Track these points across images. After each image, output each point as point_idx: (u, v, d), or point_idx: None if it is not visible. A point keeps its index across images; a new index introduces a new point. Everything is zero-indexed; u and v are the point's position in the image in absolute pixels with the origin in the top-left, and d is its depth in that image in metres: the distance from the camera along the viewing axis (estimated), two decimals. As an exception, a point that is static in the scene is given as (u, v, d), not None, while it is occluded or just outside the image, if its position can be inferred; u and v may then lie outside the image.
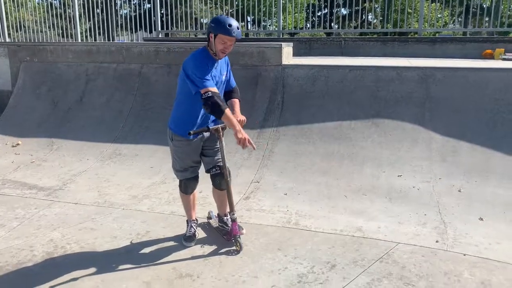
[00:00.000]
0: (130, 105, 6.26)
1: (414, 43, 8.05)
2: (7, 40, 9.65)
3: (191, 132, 3.17)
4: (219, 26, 3.04)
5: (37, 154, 5.87)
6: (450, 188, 4.29)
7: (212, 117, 3.31)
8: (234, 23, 3.03)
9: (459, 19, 11.48)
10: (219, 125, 3.30)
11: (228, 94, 3.46)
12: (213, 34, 3.07)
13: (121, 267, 3.20)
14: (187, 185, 3.47)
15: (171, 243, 3.56)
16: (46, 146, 6.05)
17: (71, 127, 6.26)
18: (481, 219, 3.87)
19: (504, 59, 7.00)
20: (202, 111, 3.22)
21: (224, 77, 3.34)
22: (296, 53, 7.37)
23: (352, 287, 2.93)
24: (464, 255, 3.34)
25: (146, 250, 3.46)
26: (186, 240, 3.54)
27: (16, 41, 10.08)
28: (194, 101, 3.13)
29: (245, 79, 5.76)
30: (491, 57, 7.38)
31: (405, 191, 4.34)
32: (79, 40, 9.89)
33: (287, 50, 5.87)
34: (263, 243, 3.54)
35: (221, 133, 3.30)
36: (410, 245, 3.49)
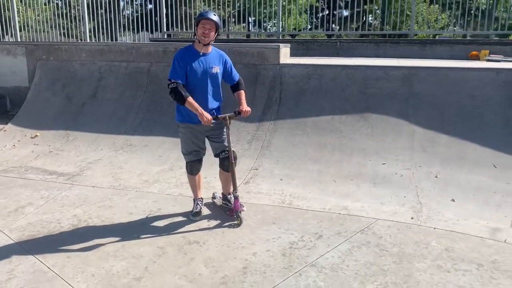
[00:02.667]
0: (139, 101, 6.78)
1: (405, 45, 8.56)
2: (19, 39, 10.16)
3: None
4: (198, 16, 3.70)
5: (54, 145, 6.40)
6: (428, 175, 4.80)
7: (210, 106, 3.82)
8: (209, 12, 3.68)
9: (460, 21, 11.87)
10: (226, 114, 3.83)
11: (234, 86, 4.00)
12: (196, 25, 3.67)
13: (137, 236, 3.72)
14: (192, 167, 4.01)
15: (180, 218, 4.08)
16: (62, 137, 6.57)
17: (85, 120, 6.78)
18: (453, 200, 4.38)
19: (488, 60, 7.51)
20: (197, 100, 3.70)
21: (214, 70, 3.79)
22: (294, 54, 7.89)
23: (335, 252, 3.44)
24: (434, 228, 3.86)
25: (159, 223, 3.98)
26: (193, 215, 4.06)
27: (22, 40, 10.56)
28: (190, 93, 3.68)
29: (246, 77, 6.21)
30: (477, 58, 7.88)
31: (388, 177, 4.85)
32: (87, 40, 10.40)
33: (284, 50, 6.39)
34: (260, 219, 4.06)
35: (228, 121, 3.82)
36: (389, 220, 4.01)
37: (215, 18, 3.65)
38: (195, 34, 3.74)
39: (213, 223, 3.97)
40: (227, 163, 3.95)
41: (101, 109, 6.88)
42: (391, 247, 3.53)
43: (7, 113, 7.77)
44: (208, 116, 3.63)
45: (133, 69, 7.10)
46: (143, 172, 5.35)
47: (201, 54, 3.76)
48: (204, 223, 3.97)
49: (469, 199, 4.38)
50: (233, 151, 3.93)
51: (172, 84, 3.62)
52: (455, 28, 12.08)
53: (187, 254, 3.40)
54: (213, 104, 3.86)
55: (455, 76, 5.49)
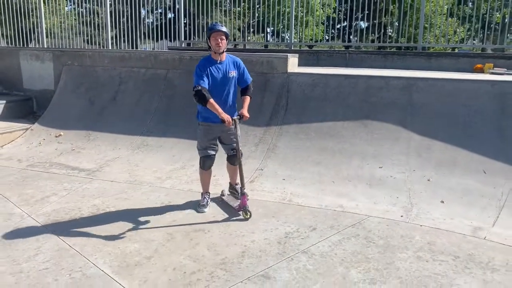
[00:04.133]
0: (156, 105, 7.25)
1: (412, 57, 8.87)
2: (45, 45, 10.79)
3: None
4: (208, 30, 4.21)
5: (77, 144, 6.90)
6: (421, 178, 5.12)
7: (228, 107, 4.30)
8: (217, 23, 4.19)
9: (480, 35, 12.04)
10: (235, 117, 4.32)
11: (244, 90, 4.48)
12: (208, 38, 4.18)
13: (149, 223, 4.15)
14: (204, 161, 4.46)
15: (189, 210, 4.50)
16: (84, 137, 7.07)
17: (106, 121, 7.28)
18: (442, 202, 4.70)
19: (492, 73, 7.77)
20: (218, 102, 4.16)
21: (231, 75, 4.30)
22: (305, 64, 8.30)
23: (326, 242, 3.81)
24: (421, 225, 4.19)
25: (169, 214, 4.40)
26: (200, 207, 4.49)
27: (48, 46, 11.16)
28: (212, 95, 4.13)
29: (256, 84, 6.60)
30: (481, 71, 8.14)
31: (383, 179, 5.18)
32: (110, 47, 10.97)
33: (292, 60, 6.79)
34: (261, 212, 4.45)
35: (237, 122, 4.31)
36: (379, 217, 4.35)
37: (223, 29, 4.16)
38: (209, 47, 4.24)
39: (219, 216, 4.37)
40: (234, 159, 4.48)
41: (120, 111, 7.37)
42: (378, 239, 3.87)
43: (34, 113, 8.34)
44: (228, 117, 4.09)
45: (151, 75, 7.59)
46: (157, 170, 5.79)
47: (218, 62, 4.26)
48: (210, 216, 4.37)
49: (457, 201, 4.68)
50: (240, 149, 4.37)
51: (197, 88, 4.08)
52: (474, 42, 12.31)
53: (192, 240, 3.80)
54: (231, 105, 4.39)
55: (450, 87, 5.80)
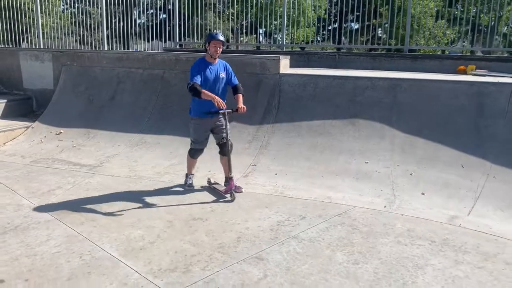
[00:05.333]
0: (153, 104, 7.55)
1: (399, 59, 9.23)
2: (42, 46, 11.00)
3: (204, 113, 4.86)
4: (209, 37, 4.84)
5: (77, 141, 7.17)
6: (404, 172, 5.47)
7: (213, 105, 4.73)
8: (218, 33, 4.84)
9: (469, 37, 12.38)
10: (225, 111, 4.82)
11: (235, 90, 5.05)
12: (208, 43, 4.82)
13: (150, 213, 4.45)
14: (195, 152, 5.13)
15: (187, 201, 4.81)
16: (83, 135, 7.35)
17: (105, 120, 7.56)
18: (423, 193, 5.06)
19: (474, 75, 8.17)
20: (205, 100, 4.72)
21: (221, 76, 4.93)
22: (296, 65, 8.65)
23: (315, 229, 4.14)
24: (402, 215, 4.54)
25: (168, 204, 4.71)
26: (188, 186, 5.24)
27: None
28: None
29: (249, 85, 6.98)
30: (464, 72, 8.54)
31: (369, 173, 5.53)
32: (105, 47, 11.22)
33: (284, 61, 7.13)
34: (254, 203, 4.77)
35: (227, 116, 4.87)
36: (364, 208, 4.70)
37: (222, 38, 4.84)
38: (206, 50, 4.88)
39: (214, 206, 4.69)
40: (225, 149, 5.01)
41: (119, 110, 7.66)
42: (362, 227, 4.21)
43: (34, 112, 8.60)
44: (219, 98, 4.66)
45: (148, 75, 7.88)
46: (156, 165, 6.09)
47: (211, 64, 4.90)
48: (207, 206, 4.69)
49: (437, 193, 5.05)
50: (229, 140, 4.97)
51: (190, 84, 4.68)
52: (464, 44, 12.69)
53: (192, 227, 4.12)
54: (222, 99, 4.83)
55: (432, 87, 6.18)
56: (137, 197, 4.91)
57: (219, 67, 4.95)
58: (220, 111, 4.81)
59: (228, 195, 4.89)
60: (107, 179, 5.57)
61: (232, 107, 4.92)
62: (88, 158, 6.45)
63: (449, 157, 5.54)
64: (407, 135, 5.95)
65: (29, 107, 8.70)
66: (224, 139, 4.97)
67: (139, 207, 4.59)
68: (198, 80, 4.71)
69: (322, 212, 4.57)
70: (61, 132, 7.49)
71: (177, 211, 4.51)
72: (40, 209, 4.50)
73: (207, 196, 4.96)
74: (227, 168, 5.00)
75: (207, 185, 5.31)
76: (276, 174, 5.71)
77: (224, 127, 4.95)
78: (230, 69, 5.08)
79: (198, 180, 5.39)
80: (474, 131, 5.72)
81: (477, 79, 6.39)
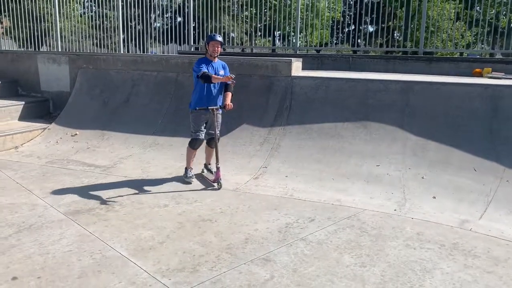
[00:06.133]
0: (167, 106, 7.64)
1: (414, 62, 9.18)
2: (60, 49, 11.24)
3: (197, 108, 5.39)
4: (208, 38, 5.44)
5: (92, 142, 7.31)
6: (416, 176, 5.44)
7: (216, 97, 5.43)
8: (216, 35, 5.40)
9: (488, 39, 12.21)
10: (213, 107, 5.39)
11: (226, 87, 5.53)
12: (207, 44, 5.42)
13: (162, 213, 4.52)
14: (195, 142, 5.52)
15: (198, 203, 4.86)
16: (98, 136, 7.48)
17: (119, 122, 7.68)
18: (434, 197, 5.02)
19: (490, 77, 8.06)
20: (204, 94, 5.36)
21: (220, 73, 5.45)
22: (309, 68, 8.66)
23: (323, 231, 4.15)
24: (412, 218, 4.51)
25: (179, 205, 4.77)
26: (187, 178, 5.57)
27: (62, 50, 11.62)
28: (200, 89, 5.36)
29: (261, 87, 7.07)
30: (480, 75, 8.44)
31: (380, 176, 5.51)
32: (121, 50, 11.40)
33: (296, 64, 7.15)
34: (264, 205, 4.80)
35: (215, 112, 5.40)
36: (374, 211, 4.69)
37: (220, 38, 5.40)
38: (206, 51, 5.46)
39: (224, 208, 4.73)
40: (212, 141, 5.54)
41: (133, 112, 7.78)
42: (371, 230, 4.20)
43: (50, 114, 8.78)
44: (221, 79, 5.25)
45: (162, 78, 7.98)
46: (167, 167, 6.16)
47: (212, 62, 5.48)
48: (216, 207, 4.73)
49: (448, 197, 5.00)
50: (217, 134, 5.47)
51: (201, 73, 5.19)
52: (482, 46, 12.52)
53: (201, 228, 4.17)
54: (217, 96, 5.48)
55: (444, 90, 6.12)
56: (149, 198, 4.98)
57: (218, 65, 5.53)
58: (208, 107, 5.34)
59: (215, 184, 5.37)
60: (120, 180, 5.66)
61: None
62: (102, 159, 6.56)
63: (462, 161, 5.48)
64: (419, 138, 5.90)
65: (46, 109, 8.89)
66: (213, 133, 5.44)
67: (151, 208, 4.66)
68: (205, 69, 5.26)
69: (332, 214, 4.57)
70: (76, 134, 7.63)
71: (187, 212, 4.56)
72: (54, 209, 4.60)
73: (217, 198, 5.01)
74: (211, 157, 5.71)
75: (200, 172, 5.90)
76: (286, 176, 5.73)
77: (214, 122, 5.43)
78: (228, 68, 5.67)
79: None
80: (487, 135, 5.65)
81: (491, 82, 6.30)
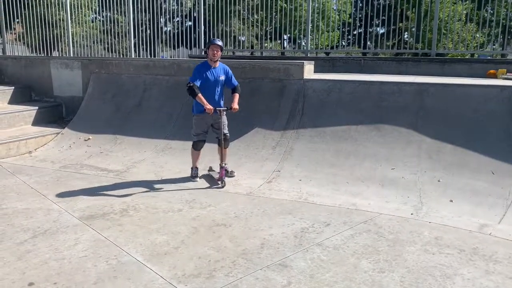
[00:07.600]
0: (179, 110, 7.64)
1: (426, 63, 9.09)
2: (71, 54, 11.33)
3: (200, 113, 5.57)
4: (208, 42, 5.56)
5: (105, 147, 7.33)
6: (432, 179, 5.36)
7: (217, 101, 5.56)
8: (216, 39, 5.51)
9: (500, 39, 12.05)
10: (221, 108, 5.55)
11: (233, 90, 5.71)
12: (207, 48, 5.51)
13: (176, 218, 4.49)
14: (197, 144, 5.74)
15: (211, 207, 4.83)
16: (111, 140, 7.50)
17: (131, 126, 7.70)
18: (451, 201, 4.94)
19: (504, 79, 7.95)
20: (205, 98, 5.39)
21: (221, 78, 5.59)
22: (320, 70, 8.61)
23: (339, 236, 4.09)
24: (429, 222, 4.44)
25: (193, 210, 4.75)
26: (193, 178, 5.80)
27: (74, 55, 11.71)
28: (205, 92, 5.41)
29: (273, 90, 7.05)
30: (494, 76, 8.32)
31: (395, 180, 5.44)
32: (132, 55, 11.45)
33: (308, 67, 7.11)
34: (278, 210, 4.76)
35: (222, 113, 5.57)
36: (390, 215, 4.62)
37: (219, 43, 5.50)
38: (207, 55, 5.54)
39: (238, 212, 4.70)
40: (223, 141, 5.65)
41: (145, 117, 7.79)
42: (388, 234, 4.14)
43: (63, 119, 8.83)
44: (210, 106, 5.36)
45: (173, 82, 7.99)
46: (180, 171, 6.15)
47: (212, 67, 5.56)
48: (231, 212, 4.70)
49: (466, 200, 4.92)
50: (225, 133, 5.66)
51: (189, 84, 5.37)
52: (494, 47, 12.33)
53: (215, 233, 4.14)
54: (218, 100, 5.62)
55: (460, 91, 6.04)
56: (163, 202, 4.97)
57: (219, 70, 5.59)
58: (217, 108, 5.46)
59: (219, 182, 5.53)
60: (133, 184, 5.66)
61: (228, 103, 5.60)
62: (115, 164, 6.57)
63: (478, 164, 5.39)
64: (434, 140, 5.82)
65: (59, 113, 8.95)
66: (224, 135, 5.62)
67: (165, 213, 4.64)
68: (197, 82, 5.38)
69: (347, 219, 4.51)
70: (89, 138, 7.66)
71: (202, 217, 4.54)
72: (69, 213, 4.60)
73: (231, 203, 4.97)
74: (225, 158, 5.69)
75: (207, 172, 6.03)
76: (300, 180, 5.68)
77: (222, 122, 5.56)
78: (230, 72, 5.72)
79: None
80: (504, 137, 5.56)
81: (508, 83, 6.20)
